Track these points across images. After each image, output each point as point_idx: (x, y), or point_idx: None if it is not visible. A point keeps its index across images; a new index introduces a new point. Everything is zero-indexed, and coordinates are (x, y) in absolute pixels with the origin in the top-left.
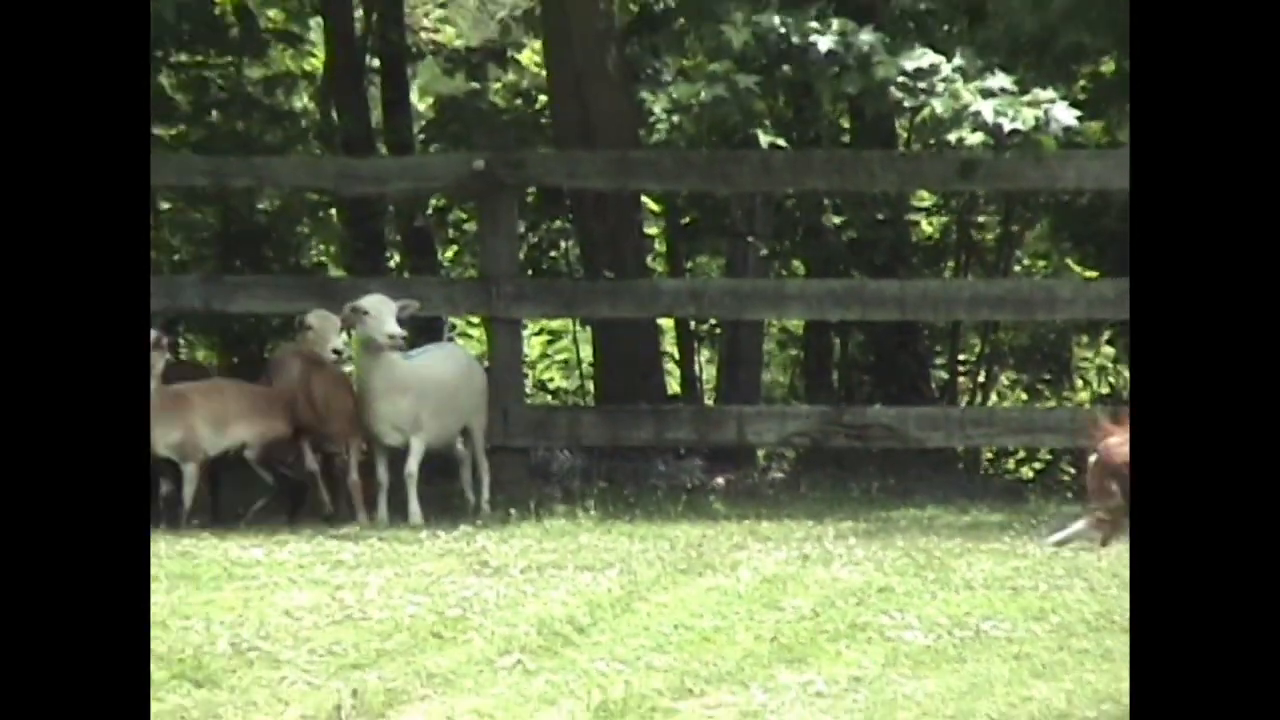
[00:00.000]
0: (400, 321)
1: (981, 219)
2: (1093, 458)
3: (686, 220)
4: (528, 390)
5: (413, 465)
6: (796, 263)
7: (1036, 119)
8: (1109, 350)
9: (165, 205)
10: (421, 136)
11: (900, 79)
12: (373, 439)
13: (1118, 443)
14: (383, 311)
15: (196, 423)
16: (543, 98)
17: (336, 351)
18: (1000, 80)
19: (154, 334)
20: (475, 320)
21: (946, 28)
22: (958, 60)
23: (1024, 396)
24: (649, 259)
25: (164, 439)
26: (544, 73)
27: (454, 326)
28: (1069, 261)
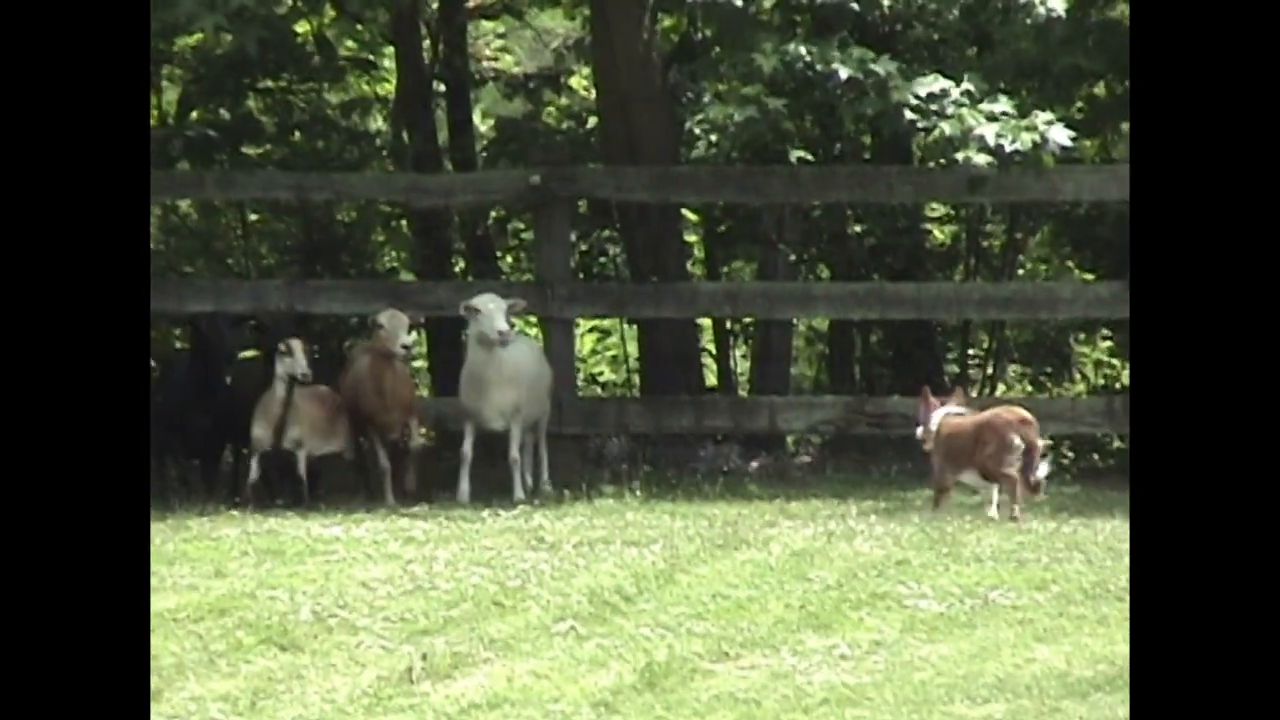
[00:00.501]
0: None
1: (989, 227)
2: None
3: (722, 229)
4: (579, 383)
5: (515, 451)
6: (822, 267)
7: (1034, 141)
8: (1105, 346)
9: (253, 217)
10: (483, 154)
11: (913, 102)
12: (477, 425)
13: (950, 413)
14: (493, 310)
15: (308, 421)
16: (592, 119)
17: (405, 347)
18: (1002, 104)
19: (296, 342)
20: (533, 320)
21: (956, 55)
22: (966, 85)
23: (1028, 388)
24: (688, 264)
25: (290, 434)
26: (594, 96)
27: (513, 325)
28: (1068, 265)
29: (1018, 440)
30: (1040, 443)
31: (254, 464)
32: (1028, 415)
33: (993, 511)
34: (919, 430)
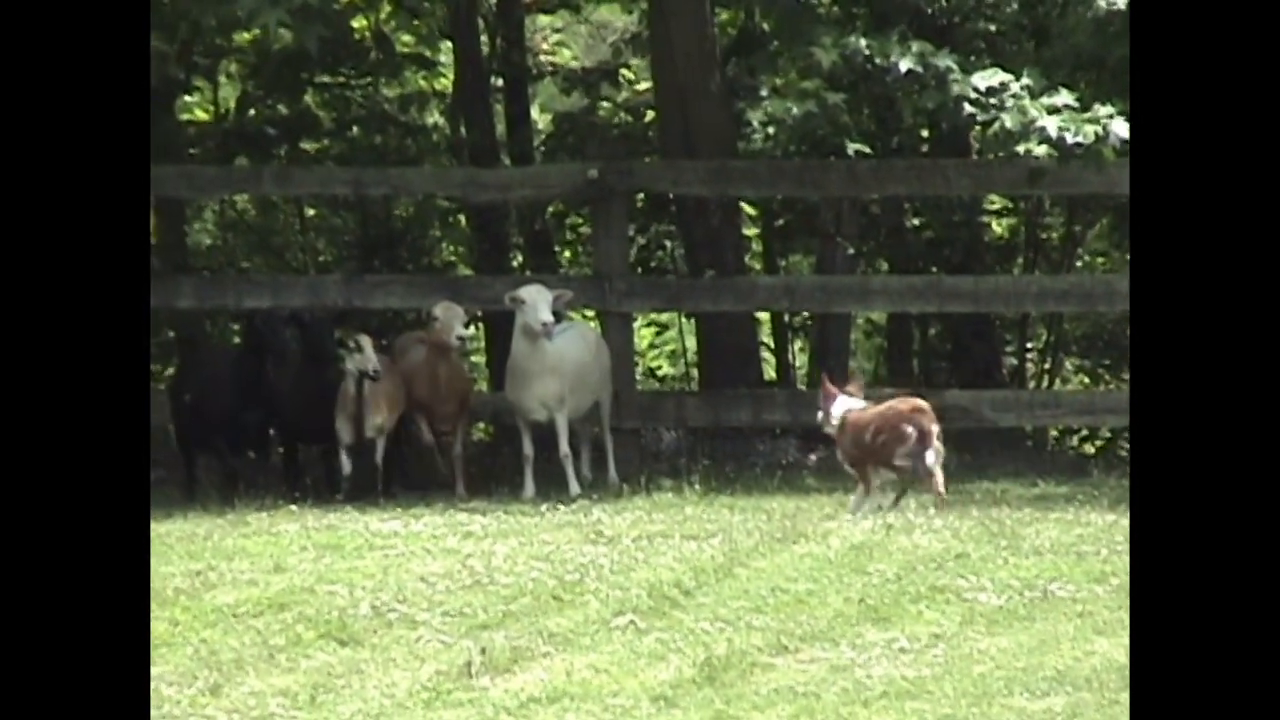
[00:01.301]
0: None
1: (1047, 220)
2: (830, 423)
3: (780, 222)
4: (638, 377)
5: (564, 445)
6: (880, 260)
7: (1096, 133)
8: None
9: (310, 212)
10: (541, 148)
11: (973, 96)
12: (521, 415)
13: (852, 408)
14: (538, 300)
15: (385, 405)
16: (650, 113)
17: (460, 339)
18: (1064, 97)
19: (364, 339)
20: (590, 314)
21: (1014, 48)
22: (1025, 79)
23: (1086, 380)
24: (746, 258)
25: (371, 423)
26: (651, 90)
27: (568, 315)
28: (1126, 258)
29: (910, 429)
30: (935, 429)
31: (344, 458)
32: (922, 403)
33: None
34: (819, 416)
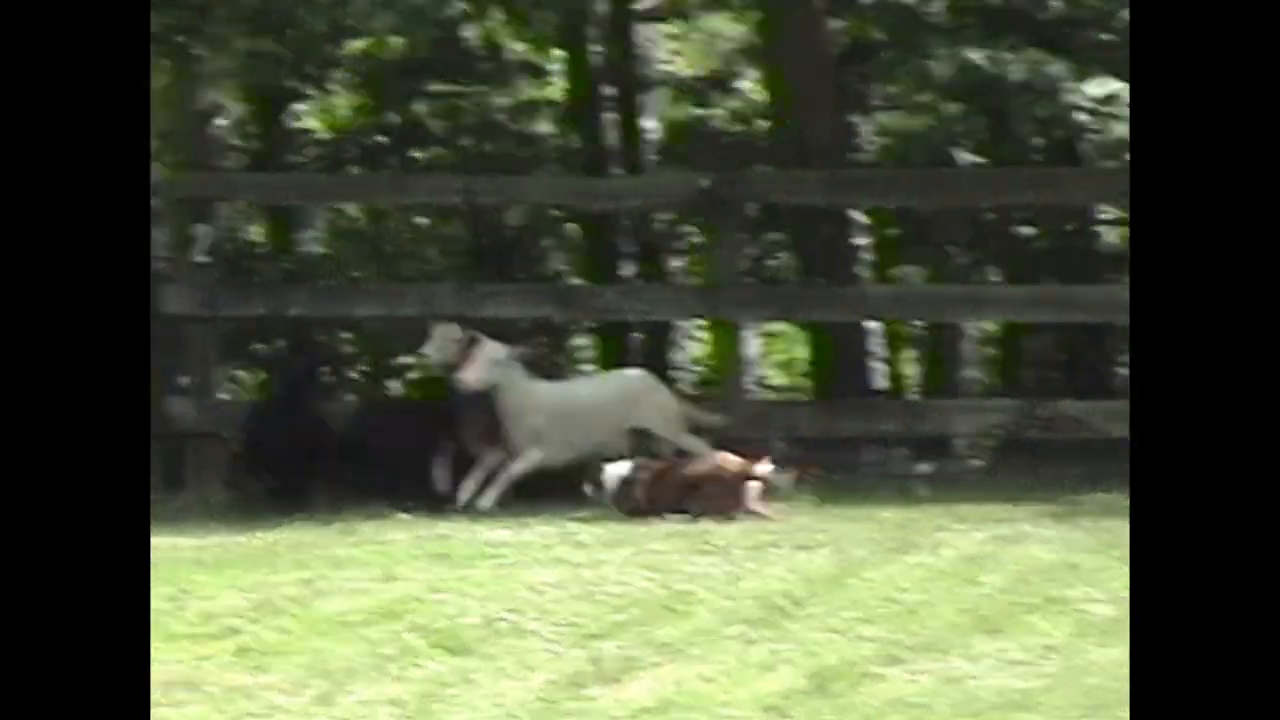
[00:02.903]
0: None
1: None
2: None
3: (893, 232)
4: (749, 387)
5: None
6: (993, 270)
7: None
8: None
9: (423, 221)
10: (653, 158)
11: (1087, 104)
12: None
13: None
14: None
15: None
16: (763, 122)
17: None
18: None
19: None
20: (702, 324)
21: (1124, 57)
22: None
23: None
24: (859, 267)
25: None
26: (764, 99)
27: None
28: None
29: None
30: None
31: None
32: None
33: None
34: None
